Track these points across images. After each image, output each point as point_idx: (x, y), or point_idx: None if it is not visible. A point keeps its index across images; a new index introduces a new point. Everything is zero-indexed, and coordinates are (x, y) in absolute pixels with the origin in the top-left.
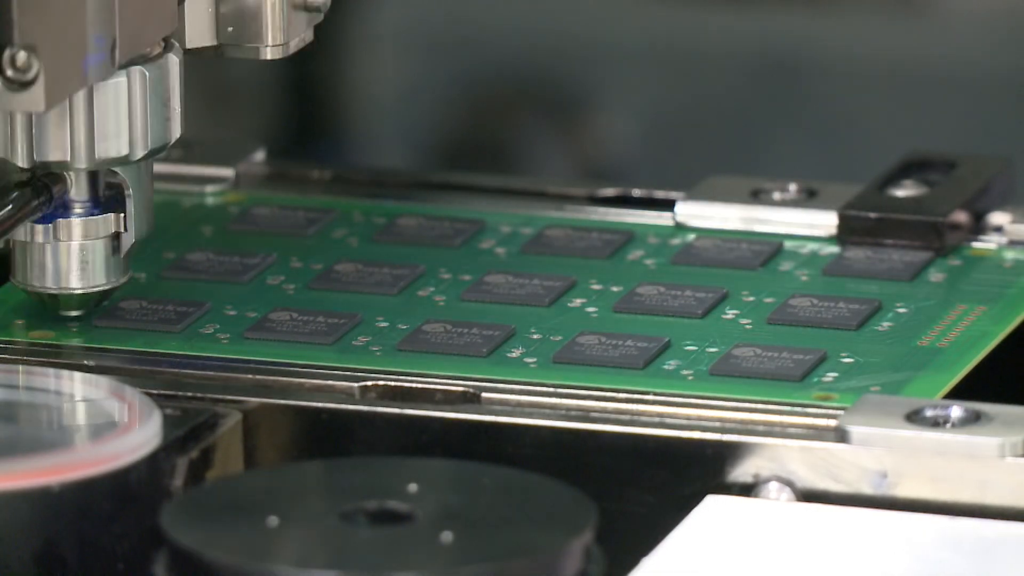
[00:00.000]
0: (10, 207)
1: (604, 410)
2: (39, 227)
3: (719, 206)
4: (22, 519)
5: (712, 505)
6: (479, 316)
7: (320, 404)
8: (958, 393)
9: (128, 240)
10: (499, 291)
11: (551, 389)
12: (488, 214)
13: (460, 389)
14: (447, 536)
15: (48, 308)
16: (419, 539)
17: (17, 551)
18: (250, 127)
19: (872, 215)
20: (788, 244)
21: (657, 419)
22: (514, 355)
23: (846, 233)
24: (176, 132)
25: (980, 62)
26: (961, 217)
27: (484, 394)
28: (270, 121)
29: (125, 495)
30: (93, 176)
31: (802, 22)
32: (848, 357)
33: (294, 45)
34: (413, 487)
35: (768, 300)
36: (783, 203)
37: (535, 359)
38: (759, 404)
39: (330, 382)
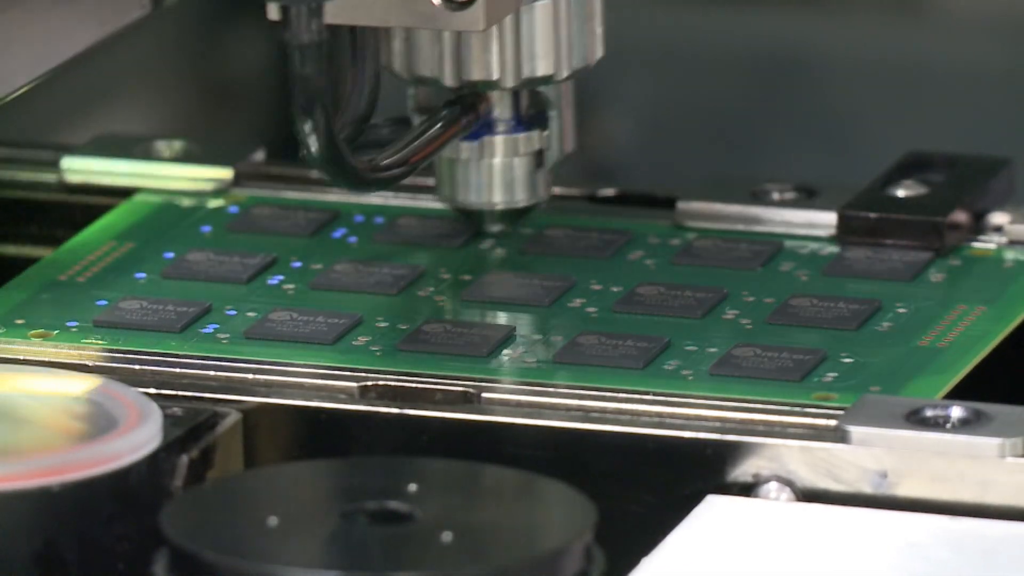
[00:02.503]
0: (440, 125)
1: (604, 410)
2: (464, 144)
3: (719, 206)
4: (22, 519)
5: (712, 505)
6: (479, 316)
7: (320, 404)
8: (958, 393)
9: (551, 158)
10: (500, 291)
11: (551, 389)
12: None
13: (460, 389)
14: (447, 536)
15: (471, 223)
16: (419, 539)
17: (17, 551)
18: (250, 127)
19: (872, 215)
20: (788, 244)
21: (657, 419)
22: (514, 355)
23: (846, 233)
24: (598, 52)
25: (980, 62)
26: (961, 217)
27: (484, 394)
28: (270, 121)
29: (125, 495)
30: (516, 94)
31: (802, 22)
32: (848, 357)
33: None
34: (413, 487)
35: (768, 300)
36: (783, 203)
37: (535, 359)
38: (759, 404)
39: (330, 382)
